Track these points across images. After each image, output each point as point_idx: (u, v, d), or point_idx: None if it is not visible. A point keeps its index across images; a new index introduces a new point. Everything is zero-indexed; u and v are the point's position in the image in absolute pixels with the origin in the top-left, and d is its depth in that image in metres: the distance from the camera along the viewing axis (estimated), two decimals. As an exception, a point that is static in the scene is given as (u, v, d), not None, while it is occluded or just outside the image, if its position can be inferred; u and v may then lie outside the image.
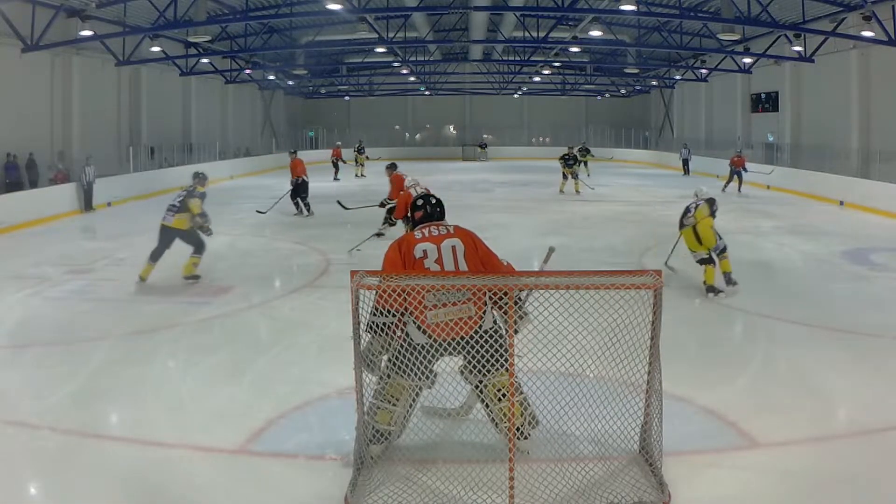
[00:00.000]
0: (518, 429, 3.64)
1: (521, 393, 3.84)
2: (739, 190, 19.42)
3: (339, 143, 27.83)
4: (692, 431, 4.20)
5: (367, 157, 26.48)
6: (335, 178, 24.19)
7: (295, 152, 16.14)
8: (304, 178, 14.51)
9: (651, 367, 3.64)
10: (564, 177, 19.14)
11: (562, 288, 3.42)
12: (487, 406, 3.85)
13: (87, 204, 15.67)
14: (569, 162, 19.03)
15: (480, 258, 3.89)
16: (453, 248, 3.86)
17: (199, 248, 8.50)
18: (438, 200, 4.21)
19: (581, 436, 3.77)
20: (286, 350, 5.99)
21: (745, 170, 19.66)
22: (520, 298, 3.88)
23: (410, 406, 3.87)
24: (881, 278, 8.89)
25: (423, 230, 3.97)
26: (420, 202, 4.16)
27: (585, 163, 23.54)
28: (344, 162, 25.59)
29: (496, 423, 3.87)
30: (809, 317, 6.86)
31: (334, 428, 4.19)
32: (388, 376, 3.76)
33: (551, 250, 4.51)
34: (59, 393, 4.91)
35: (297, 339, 6.34)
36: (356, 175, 25.11)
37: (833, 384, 5.04)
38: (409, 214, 4.23)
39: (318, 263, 9.75)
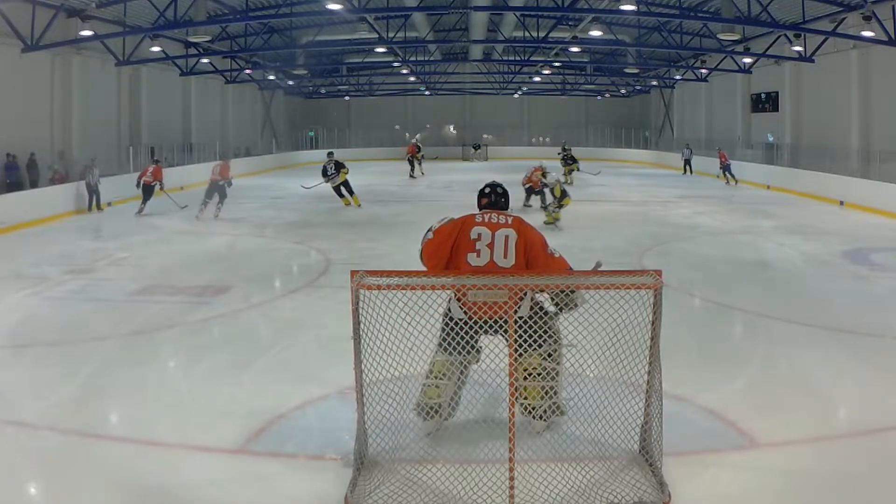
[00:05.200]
0: (536, 409, 3.89)
1: (555, 381, 3.94)
2: (728, 182, 21.99)
3: (414, 140, 27.75)
4: (692, 431, 4.19)
5: (423, 157, 26.89)
6: (411, 176, 24.85)
7: (158, 161, 16.79)
8: (144, 180, 15.07)
9: (651, 367, 3.64)
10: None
11: (562, 288, 3.42)
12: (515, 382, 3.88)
13: (95, 204, 15.66)
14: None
15: (526, 249, 4.01)
16: (506, 237, 4.02)
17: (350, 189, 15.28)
18: (505, 191, 4.41)
19: (581, 436, 3.77)
20: (286, 350, 5.98)
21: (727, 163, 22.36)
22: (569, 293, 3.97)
23: (459, 382, 4.02)
24: (881, 278, 8.89)
25: (485, 215, 4.17)
26: (487, 190, 4.39)
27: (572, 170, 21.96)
28: (418, 161, 25.81)
29: (517, 402, 3.87)
30: (809, 317, 6.85)
31: (334, 428, 4.18)
32: (433, 355, 3.93)
33: (598, 265, 4.40)
34: (59, 393, 4.91)
35: (297, 339, 6.33)
36: (410, 175, 25.18)
37: (833, 384, 5.04)
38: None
39: (318, 263, 9.75)
